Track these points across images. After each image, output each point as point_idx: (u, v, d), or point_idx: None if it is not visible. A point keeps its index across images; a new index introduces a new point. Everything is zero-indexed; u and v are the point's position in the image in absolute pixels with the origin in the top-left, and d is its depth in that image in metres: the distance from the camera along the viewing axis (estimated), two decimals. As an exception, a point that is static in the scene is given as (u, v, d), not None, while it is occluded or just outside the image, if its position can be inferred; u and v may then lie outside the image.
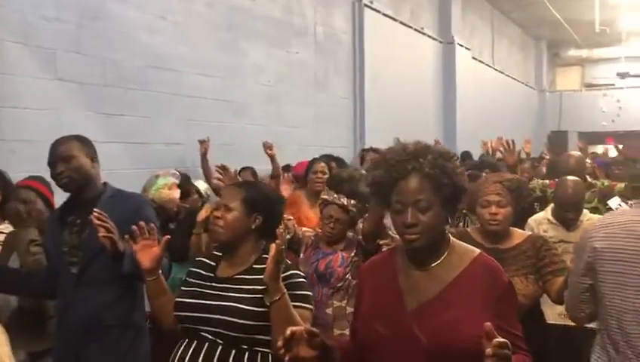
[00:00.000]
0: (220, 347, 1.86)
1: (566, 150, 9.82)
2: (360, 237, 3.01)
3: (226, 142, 5.25)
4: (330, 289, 2.93)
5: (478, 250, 1.67)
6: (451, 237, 1.69)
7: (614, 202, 3.11)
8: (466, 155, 7.61)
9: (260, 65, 5.88)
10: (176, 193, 3.64)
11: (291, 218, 3.12)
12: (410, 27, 8.88)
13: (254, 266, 1.97)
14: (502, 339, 1.34)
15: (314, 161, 4.37)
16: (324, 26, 6.95)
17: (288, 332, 1.44)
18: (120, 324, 2.37)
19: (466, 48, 10.49)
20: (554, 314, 3.32)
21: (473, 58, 10.98)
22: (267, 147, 5.04)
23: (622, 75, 13.56)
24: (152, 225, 2.07)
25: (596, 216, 3.68)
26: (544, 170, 5.36)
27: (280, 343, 1.43)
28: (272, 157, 5.04)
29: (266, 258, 1.78)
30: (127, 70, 4.45)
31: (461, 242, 1.70)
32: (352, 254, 3.00)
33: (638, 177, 5.08)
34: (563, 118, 16.39)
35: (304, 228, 3.21)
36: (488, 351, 1.32)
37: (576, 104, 16.29)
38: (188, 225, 3.46)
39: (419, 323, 1.54)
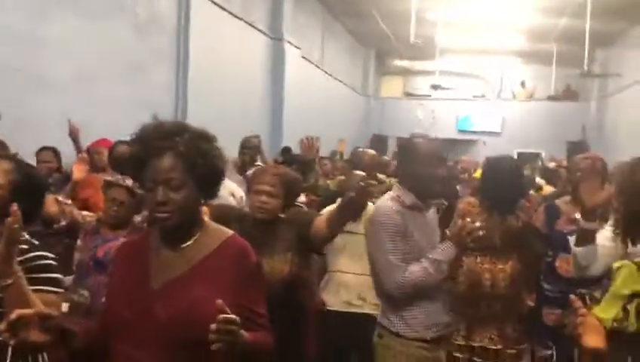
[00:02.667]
0: None
1: (385, 153, 10.52)
2: (145, 224, 2.88)
3: (24, 118, 4.77)
4: (107, 277, 2.78)
5: (231, 232, 1.69)
6: (206, 219, 1.70)
7: None
8: (286, 150, 7.78)
9: (68, 37, 5.42)
10: None
11: (69, 201, 2.90)
12: (240, 19, 8.85)
13: None
14: (230, 316, 1.37)
15: (118, 143, 4.11)
16: (147, 6, 6.64)
17: (14, 315, 1.37)
18: None
19: (296, 47, 10.71)
20: (338, 302, 3.52)
21: (303, 57, 11.26)
22: (72, 130, 4.66)
23: (435, 87, 14.83)
24: None
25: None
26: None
27: (2, 326, 1.36)
28: (75, 140, 4.68)
29: None
30: None
31: (216, 224, 1.71)
32: (138, 241, 2.87)
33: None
34: (385, 123, 17.58)
35: (85, 213, 3.01)
36: (212, 325, 1.36)
37: (396, 111, 17.53)
38: None
39: (160, 302, 1.53)
